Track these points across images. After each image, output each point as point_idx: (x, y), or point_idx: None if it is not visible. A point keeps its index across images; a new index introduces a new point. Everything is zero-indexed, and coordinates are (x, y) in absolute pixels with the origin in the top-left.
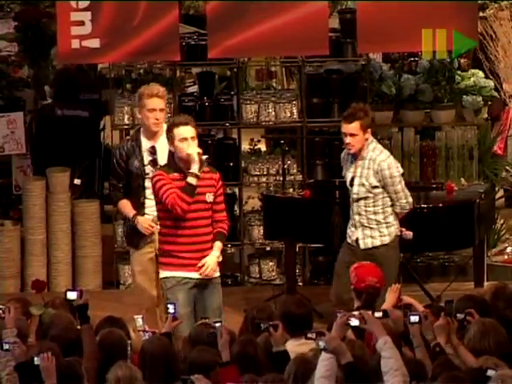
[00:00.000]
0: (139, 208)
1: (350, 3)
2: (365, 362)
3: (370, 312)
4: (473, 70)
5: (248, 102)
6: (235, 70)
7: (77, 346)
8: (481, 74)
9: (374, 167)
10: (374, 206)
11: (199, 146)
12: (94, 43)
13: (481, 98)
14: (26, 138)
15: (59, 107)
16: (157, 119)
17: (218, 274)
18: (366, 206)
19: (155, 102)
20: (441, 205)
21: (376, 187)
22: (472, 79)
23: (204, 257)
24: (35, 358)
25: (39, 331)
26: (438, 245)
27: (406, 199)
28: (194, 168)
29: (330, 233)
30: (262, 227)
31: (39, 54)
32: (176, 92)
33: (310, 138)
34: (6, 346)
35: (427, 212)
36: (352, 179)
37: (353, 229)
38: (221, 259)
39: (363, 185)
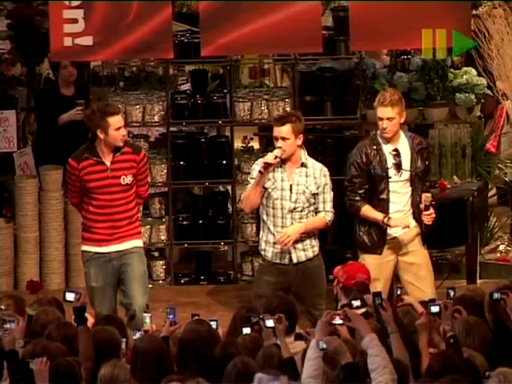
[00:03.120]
0: (383, 211)
1: (342, 1)
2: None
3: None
4: (466, 68)
5: (241, 100)
6: (228, 67)
7: (72, 342)
8: (474, 71)
9: (315, 174)
10: (306, 218)
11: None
12: (87, 41)
13: (474, 96)
14: (17, 135)
15: None
16: (384, 128)
17: (139, 243)
18: (301, 218)
19: (383, 112)
20: (433, 203)
21: (314, 195)
22: (465, 77)
23: (117, 233)
24: (30, 363)
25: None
26: (431, 242)
27: (332, 210)
28: None
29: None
30: (254, 225)
31: (32, 52)
32: (169, 90)
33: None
34: None
35: None
36: (290, 187)
37: (279, 246)
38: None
39: (304, 192)
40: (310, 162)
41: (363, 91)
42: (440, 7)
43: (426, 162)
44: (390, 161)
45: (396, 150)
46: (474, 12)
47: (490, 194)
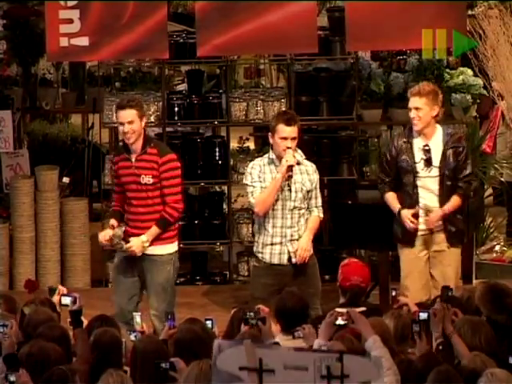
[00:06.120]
0: (411, 205)
1: (338, 1)
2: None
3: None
4: (461, 68)
5: (237, 100)
6: (224, 68)
7: (61, 342)
8: (470, 72)
9: (308, 170)
10: (303, 216)
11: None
12: (83, 41)
13: (470, 96)
14: (13, 135)
15: None
16: (412, 118)
17: (161, 250)
18: (299, 216)
19: (411, 101)
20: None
21: (309, 191)
22: (461, 77)
23: (137, 235)
24: (10, 377)
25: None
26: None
27: (321, 205)
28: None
29: None
30: (250, 225)
31: (28, 52)
32: (164, 90)
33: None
34: None
35: None
36: (288, 186)
37: (278, 247)
38: (147, 244)
39: (301, 190)
40: (300, 159)
41: (359, 91)
42: (435, 7)
43: (460, 162)
44: (419, 156)
45: (427, 145)
46: (469, 12)
47: (486, 194)
